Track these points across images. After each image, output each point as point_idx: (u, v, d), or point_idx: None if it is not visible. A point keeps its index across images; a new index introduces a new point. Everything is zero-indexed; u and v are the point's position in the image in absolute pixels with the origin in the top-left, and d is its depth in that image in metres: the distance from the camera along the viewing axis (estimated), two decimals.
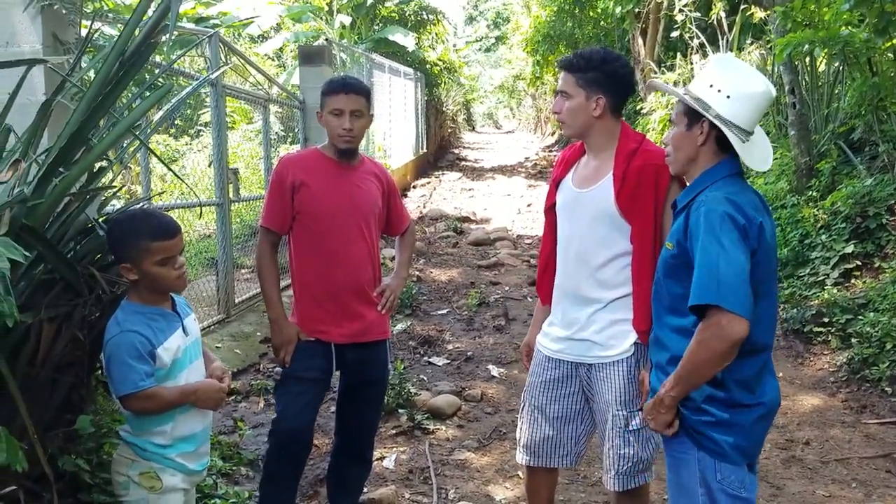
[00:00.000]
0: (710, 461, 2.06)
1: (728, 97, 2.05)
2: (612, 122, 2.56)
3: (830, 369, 5.21)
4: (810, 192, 7.05)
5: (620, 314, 2.54)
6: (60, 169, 2.29)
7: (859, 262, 6.08)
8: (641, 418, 2.43)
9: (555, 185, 2.73)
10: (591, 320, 2.57)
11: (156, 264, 2.17)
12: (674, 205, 2.15)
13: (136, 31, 2.38)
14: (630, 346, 2.54)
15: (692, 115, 2.11)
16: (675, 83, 12.71)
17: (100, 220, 2.50)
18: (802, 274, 6.34)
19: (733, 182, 2.09)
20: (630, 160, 2.49)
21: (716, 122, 2.06)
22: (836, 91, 8.00)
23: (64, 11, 3.16)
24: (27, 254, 1.81)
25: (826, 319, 5.59)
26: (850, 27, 6.32)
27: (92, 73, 2.90)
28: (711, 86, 2.07)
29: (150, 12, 2.43)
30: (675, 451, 2.15)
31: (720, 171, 2.10)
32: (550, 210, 2.75)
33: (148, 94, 2.79)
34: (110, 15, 4.34)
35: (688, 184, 2.20)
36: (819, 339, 5.56)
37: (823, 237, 6.39)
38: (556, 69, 2.64)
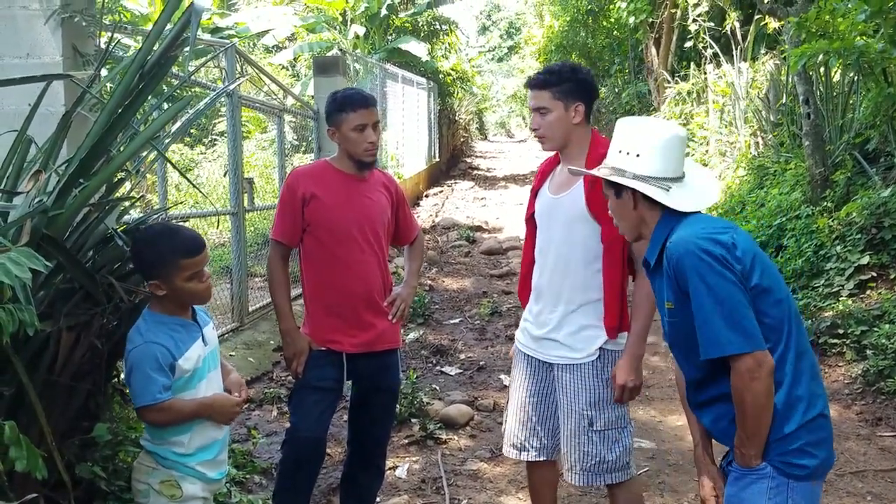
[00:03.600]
0: (783, 486, 1.96)
1: (637, 155, 2.09)
2: (586, 128, 2.75)
3: (845, 381, 5.17)
4: (825, 203, 7.01)
5: (591, 319, 2.70)
6: (80, 180, 2.32)
7: (874, 274, 6.04)
8: (608, 420, 2.66)
9: (533, 196, 2.89)
10: (563, 322, 2.73)
11: (186, 280, 2.21)
12: (645, 263, 2.15)
13: (156, 44, 2.42)
14: (595, 350, 2.69)
15: (615, 184, 2.14)
16: (689, 93, 12.71)
17: (118, 229, 2.53)
18: (817, 285, 6.30)
19: (692, 219, 2.06)
20: (599, 163, 2.56)
21: (630, 183, 2.08)
22: (851, 101, 7.96)
23: (84, 24, 3.21)
24: (48, 263, 1.84)
25: (841, 331, 5.55)
26: (865, 38, 6.30)
27: (110, 85, 2.94)
28: (620, 151, 2.13)
29: (169, 25, 2.46)
30: (743, 472, 2.02)
31: (672, 220, 2.08)
32: (531, 220, 2.89)
33: (167, 105, 2.83)
34: (129, 27, 4.40)
35: (647, 242, 2.17)
36: (834, 350, 5.52)
37: (838, 248, 6.35)
38: (527, 89, 2.82)
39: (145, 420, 2.23)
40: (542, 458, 2.88)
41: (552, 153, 2.86)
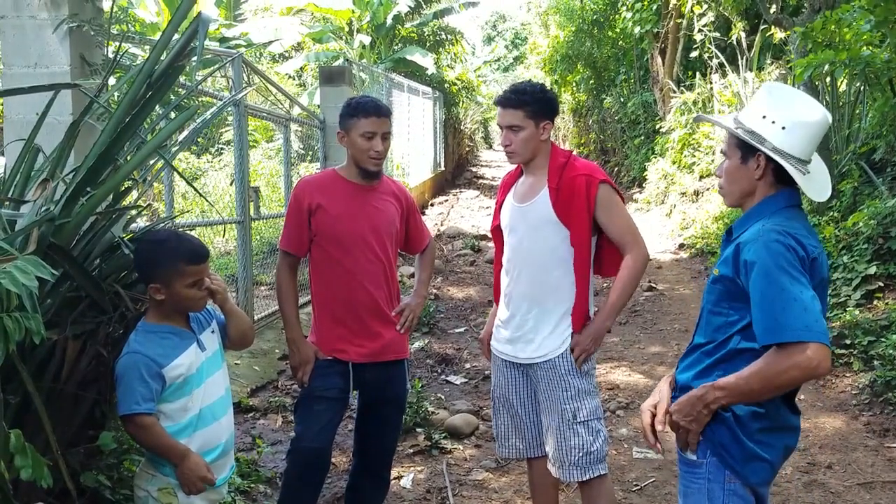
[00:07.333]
0: (719, 490, 1.98)
1: (783, 128, 1.94)
2: (549, 143, 2.90)
3: (853, 392, 5.14)
4: (831, 213, 7.00)
5: (563, 319, 2.82)
6: (87, 188, 2.33)
7: (882, 284, 6.02)
8: (590, 410, 2.76)
9: (498, 208, 3.03)
10: (539, 325, 2.85)
11: (187, 286, 2.22)
12: (729, 231, 2.09)
13: (164, 54, 2.43)
14: (566, 343, 2.81)
15: (746, 148, 2.00)
16: (695, 103, 12.70)
17: (125, 238, 2.54)
18: None
19: (790, 214, 1.99)
20: (562, 173, 2.81)
21: (773, 155, 1.95)
22: (857, 111, 7.96)
23: (92, 33, 3.23)
24: (54, 272, 1.84)
25: (848, 341, 5.52)
26: (871, 48, 6.30)
27: (117, 94, 2.95)
28: (765, 117, 1.97)
29: (176, 35, 2.47)
30: (688, 476, 2.07)
31: (778, 203, 2.00)
32: (497, 230, 3.03)
33: (174, 114, 2.84)
34: (136, 36, 4.42)
35: (743, 212, 2.09)
36: (841, 361, 5.49)
37: (845, 258, 6.33)
38: (497, 107, 2.92)
39: (127, 431, 2.25)
40: (536, 456, 2.98)
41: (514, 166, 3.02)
